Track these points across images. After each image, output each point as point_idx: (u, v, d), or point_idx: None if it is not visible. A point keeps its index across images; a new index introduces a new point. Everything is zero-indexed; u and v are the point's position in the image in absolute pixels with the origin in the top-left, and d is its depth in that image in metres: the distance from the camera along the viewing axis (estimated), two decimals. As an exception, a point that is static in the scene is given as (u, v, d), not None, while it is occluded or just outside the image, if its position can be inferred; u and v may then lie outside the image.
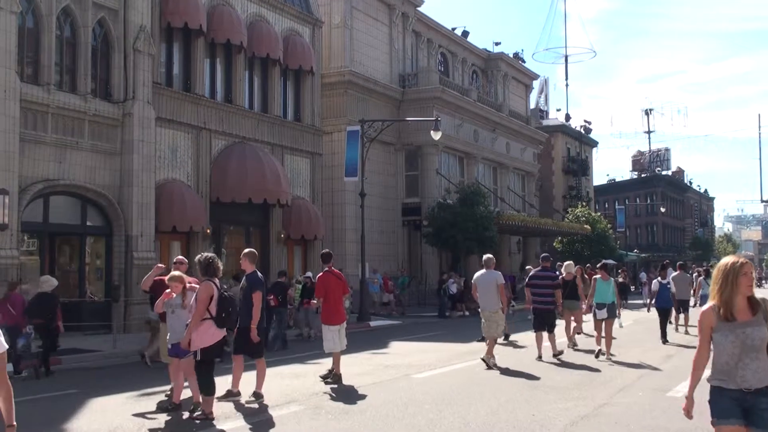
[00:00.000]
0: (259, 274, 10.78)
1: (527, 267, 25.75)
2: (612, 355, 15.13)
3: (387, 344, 18.77)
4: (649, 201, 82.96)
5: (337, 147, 31.07)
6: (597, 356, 14.97)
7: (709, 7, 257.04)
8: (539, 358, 14.73)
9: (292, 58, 27.92)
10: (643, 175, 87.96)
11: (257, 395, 10.38)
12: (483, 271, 14.49)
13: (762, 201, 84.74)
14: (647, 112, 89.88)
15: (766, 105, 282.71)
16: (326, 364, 12.92)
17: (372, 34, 36.07)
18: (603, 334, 15.17)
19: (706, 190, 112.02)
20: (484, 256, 14.83)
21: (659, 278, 19.03)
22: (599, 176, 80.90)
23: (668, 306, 18.84)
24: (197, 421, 9.02)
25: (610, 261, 33.65)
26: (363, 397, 10.74)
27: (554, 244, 50.04)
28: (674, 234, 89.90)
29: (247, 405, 10.19)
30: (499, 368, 13.40)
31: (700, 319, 4.94)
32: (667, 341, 17.72)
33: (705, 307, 4.93)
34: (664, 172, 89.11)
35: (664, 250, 79.26)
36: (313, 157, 29.50)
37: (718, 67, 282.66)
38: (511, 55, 50.93)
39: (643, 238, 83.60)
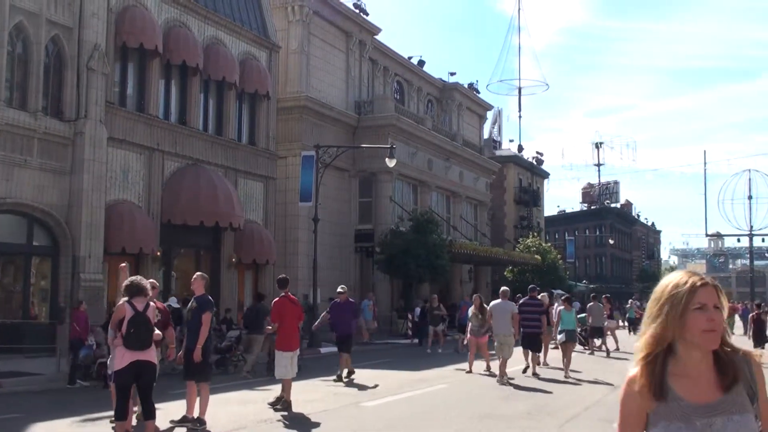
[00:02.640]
0: (209, 296, 10.71)
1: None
2: (578, 371, 17.71)
3: (337, 371, 18.61)
4: (598, 232, 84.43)
5: (292, 171, 31.01)
6: (566, 376, 17.13)
7: (656, 45, 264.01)
8: (524, 370, 17.49)
9: (248, 81, 27.87)
10: (592, 207, 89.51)
11: (200, 421, 10.24)
12: (499, 300, 17.06)
13: (707, 235, 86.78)
14: (597, 146, 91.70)
15: (712, 142, 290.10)
16: (275, 390, 12.79)
17: (329, 61, 36.22)
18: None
19: (653, 223, 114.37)
20: (501, 288, 17.88)
21: None
22: (550, 207, 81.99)
23: None
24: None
25: (560, 291, 34.07)
26: (314, 424, 10.65)
27: (505, 274, 50.43)
28: (622, 265, 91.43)
29: (189, 430, 10.04)
30: (512, 384, 15.32)
31: (621, 399, 2.63)
32: None
33: (629, 374, 2.60)
34: (613, 205, 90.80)
35: (612, 281, 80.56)
36: (267, 181, 29.38)
37: (665, 103, 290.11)
38: (465, 86, 51.52)
39: (591, 269, 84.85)
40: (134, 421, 9.40)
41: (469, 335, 18.63)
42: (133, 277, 9.42)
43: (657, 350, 2.52)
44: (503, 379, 15.70)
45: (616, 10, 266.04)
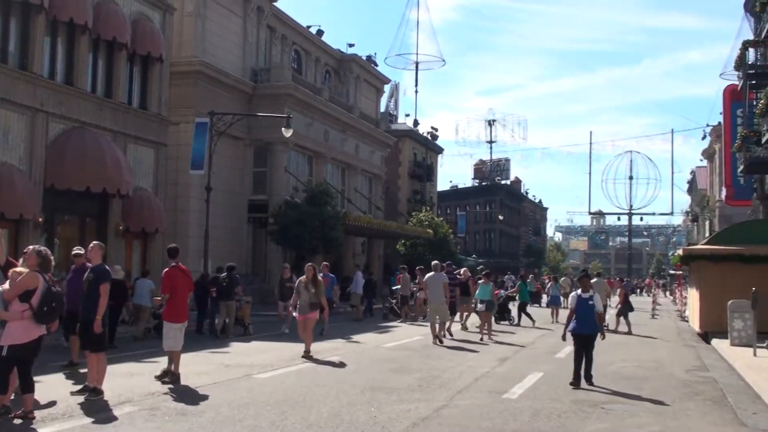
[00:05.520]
0: (106, 266, 10.46)
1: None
2: (495, 333, 21.45)
3: (227, 343, 18.42)
4: (488, 208, 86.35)
5: (184, 138, 30.21)
6: (482, 339, 20.06)
7: (547, 27, 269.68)
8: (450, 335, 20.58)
9: (140, 43, 26.80)
10: (483, 184, 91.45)
11: (96, 391, 10.00)
12: (432, 273, 19.27)
13: (589, 213, 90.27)
14: (490, 123, 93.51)
15: (597, 124, 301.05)
16: (162, 363, 12.49)
17: (225, 26, 35.32)
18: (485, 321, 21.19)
19: (540, 201, 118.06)
20: (433, 262, 19.97)
21: (579, 291, 12.97)
22: (443, 182, 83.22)
23: (593, 332, 12.65)
24: (17, 421, 8.48)
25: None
26: (203, 397, 10.44)
27: (397, 247, 50.96)
28: (510, 241, 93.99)
29: (86, 401, 9.79)
30: (443, 345, 18.38)
31: None
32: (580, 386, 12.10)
33: None
34: (503, 182, 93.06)
35: (500, 257, 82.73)
36: (158, 147, 28.45)
37: (554, 84, 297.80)
38: (364, 58, 51.40)
39: (481, 244, 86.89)
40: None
41: (297, 314, 15.93)
42: (42, 248, 9.04)
43: None
44: (441, 336, 18.90)
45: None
